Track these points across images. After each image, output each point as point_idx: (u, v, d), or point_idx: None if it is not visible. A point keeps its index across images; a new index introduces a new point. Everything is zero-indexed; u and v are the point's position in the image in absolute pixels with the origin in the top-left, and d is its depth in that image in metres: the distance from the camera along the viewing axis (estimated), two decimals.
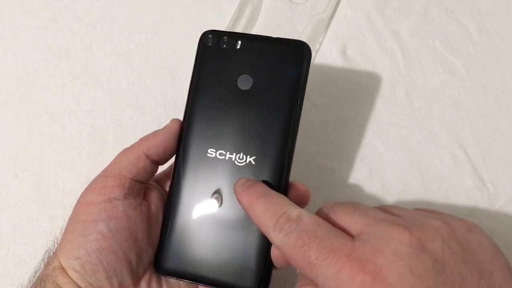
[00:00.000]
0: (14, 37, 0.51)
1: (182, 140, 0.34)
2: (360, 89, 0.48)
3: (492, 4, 0.51)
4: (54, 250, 0.32)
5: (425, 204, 0.43)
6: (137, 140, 0.34)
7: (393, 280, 0.23)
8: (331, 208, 0.29)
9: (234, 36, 0.34)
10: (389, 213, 0.28)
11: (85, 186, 0.33)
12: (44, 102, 0.48)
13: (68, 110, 0.48)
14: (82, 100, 0.48)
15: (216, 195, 0.33)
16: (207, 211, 0.33)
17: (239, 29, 0.48)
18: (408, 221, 0.26)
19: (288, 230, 0.26)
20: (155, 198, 0.34)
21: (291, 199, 0.32)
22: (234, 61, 0.33)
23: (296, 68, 0.32)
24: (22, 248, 0.43)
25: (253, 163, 0.32)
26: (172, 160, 0.35)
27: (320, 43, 0.50)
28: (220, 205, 0.32)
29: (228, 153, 0.33)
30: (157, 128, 0.34)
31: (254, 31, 0.51)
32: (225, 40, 0.34)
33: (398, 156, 0.45)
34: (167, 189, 0.35)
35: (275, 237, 0.27)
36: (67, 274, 0.30)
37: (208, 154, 0.33)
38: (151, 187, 0.35)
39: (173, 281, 0.34)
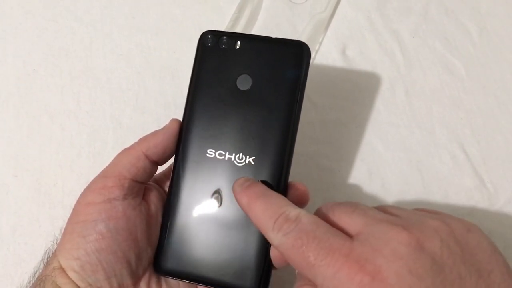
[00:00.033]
0: (14, 37, 0.51)
1: (181, 141, 0.34)
2: (360, 89, 0.48)
3: (492, 4, 0.51)
4: (54, 251, 0.32)
5: (424, 204, 0.43)
6: (136, 140, 0.34)
7: (391, 280, 0.23)
8: (330, 208, 0.29)
9: (233, 36, 0.34)
10: (388, 213, 0.28)
11: (84, 186, 0.33)
12: (44, 102, 0.48)
13: (67, 110, 0.48)
14: (82, 100, 0.48)
15: (215, 195, 0.33)
16: (207, 211, 0.33)
17: (239, 29, 0.48)
18: (407, 221, 0.26)
19: (286, 230, 0.26)
20: (154, 199, 0.34)
21: (290, 199, 0.32)
22: (233, 61, 0.33)
23: (295, 68, 0.32)
24: (22, 248, 0.43)
25: (253, 163, 0.32)
26: (172, 160, 0.35)
27: (320, 43, 0.50)
28: (220, 205, 0.32)
29: (227, 153, 0.33)
30: (157, 128, 0.34)
31: (254, 31, 0.51)
32: (225, 40, 0.34)
33: (398, 156, 0.45)
34: (167, 189, 0.35)
35: (273, 237, 0.27)
36: (66, 274, 0.30)
37: (207, 154, 0.33)
38: (151, 188, 0.35)
39: (172, 281, 0.34)
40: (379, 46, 0.49)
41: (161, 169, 0.36)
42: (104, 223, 0.31)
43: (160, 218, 0.34)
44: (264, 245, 0.31)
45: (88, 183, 0.33)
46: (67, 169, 0.45)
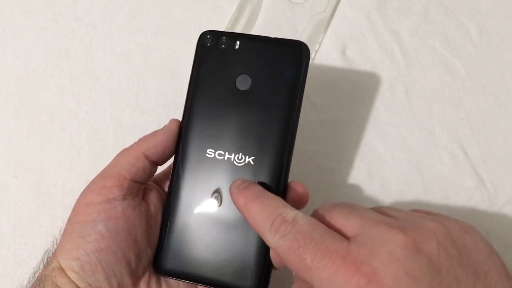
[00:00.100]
0: (14, 37, 0.51)
1: (181, 141, 0.34)
2: (360, 89, 0.48)
3: (492, 4, 0.51)
4: (53, 251, 0.32)
5: (424, 204, 0.43)
6: (136, 140, 0.34)
7: (388, 282, 0.23)
8: (327, 210, 0.29)
9: (232, 36, 0.34)
10: (385, 214, 0.28)
11: (84, 186, 0.33)
12: (44, 102, 0.48)
13: (67, 110, 0.48)
14: (81, 100, 0.48)
15: (215, 194, 0.33)
16: (206, 211, 0.33)
17: (238, 29, 0.48)
18: (404, 222, 0.26)
19: (283, 232, 0.26)
20: (154, 199, 0.34)
21: (290, 199, 0.32)
22: (232, 62, 0.33)
23: (294, 68, 0.32)
24: (22, 248, 0.43)
25: (252, 163, 0.32)
26: (171, 160, 0.35)
27: (320, 43, 0.50)
28: (220, 204, 0.32)
29: (227, 153, 0.33)
30: (157, 128, 0.34)
31: (253, 31, 0.51)
32: (224, 40, 0.34)
33: (397, 156, 0.45)
34: (166, 189, 0.35)
35: (270, 239, 0.27)
36: (66, 274, 0.30)
37: (207, 155, 0.33)
38: (150, 188, 0.35)
39: (172, 281, 0.34)
40: (379, 46, 0.49)
41: (160, 169, 0.36)
42: (104, 223, 0.31)
43: (159, 218, 0.34)
44: (264, 245, 0.31)
45: (88, 183, 0.33)
46: (67, 169, 0.45)
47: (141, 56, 0.50)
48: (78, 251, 0.30)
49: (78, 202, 0.32)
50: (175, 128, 0.34)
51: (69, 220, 0.32)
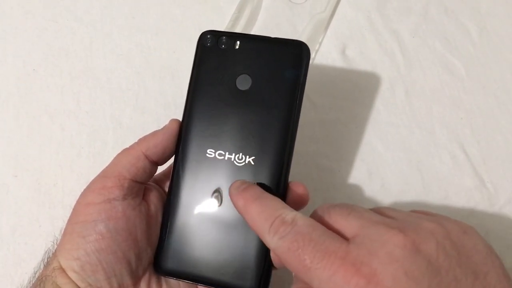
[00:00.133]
0: (14, 37, 0.51)
1: (181, 141, 0.34)
2: (360, 89, 0.48)
3: (492, 4, 0.51)
4: (54, 251, 0.32)
5: (424, 204, 0.43)
6: (136, 140, 0.34)
7: (387, 282, 0.23)
8: (326, 210, 0.29)
9: (232, 36, 0.34)
10: (384, 215, 0.28)
11: (84, 186, 0.33)
12: (44, 102, 0.48)
13: (67, 110, 0.48)
14: (81, 100, 0.48)
15: (216, 194, 0.33)
16: (207, 211, 0.33)
17: (238, 29, 0.48)
18: (403, 223, 0.26)
19: (282, 233, 0.26)
20: (154, 199, 0.34)
21: (290, 200, 0.32)
22: (233, 61, 0.33)
23: (295, 68, 0.32)
24: (22, 248, 0.43)
25: (252, 163, 0.32)
26: (172, 160, 0.35)
27: (320, 43, 0.50)
28: (220, 204, 0.32)
29: (227, 153, 0.33)
30: (157, 128, 0.34)
31: (253, 31, 0.51)
32: (224, 40, 0.34)
33: (397, 156, 0.45)
34: (167, 189, 0.36)
35: (269, 240, 0.27)
36: (66, 274, 0.30)
37: (207, 154, 0.33)
38: (151, 188, 0.35)
39: (172, 281, 0.34)
40: (379, 46, 0.49)
41: (161, 169, 0.36)
42: (104, 223, 0.31)
43: (160, 218, 0.34)
44: (265, 245, 0.31)
45: (88, 183, 0.33)
46: (67, 169, 0.45)
47: (141, 56, 0.50)
48: (78, 251, 0.30)
49: (78, 202, 0.32)
50: (175, 128, 0.34)
51: (69, 220, 0.32)
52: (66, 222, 0.32)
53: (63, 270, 0.31)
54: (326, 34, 0.50)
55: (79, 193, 0.33)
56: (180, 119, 0.34)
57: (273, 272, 0.32)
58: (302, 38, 0.43)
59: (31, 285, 0.32)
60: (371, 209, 0.30)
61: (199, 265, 0.32)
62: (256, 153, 0.32)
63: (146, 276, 0.33)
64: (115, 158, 0.33)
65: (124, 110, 0.48)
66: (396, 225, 0.26)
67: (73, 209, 0.32)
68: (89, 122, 0.47)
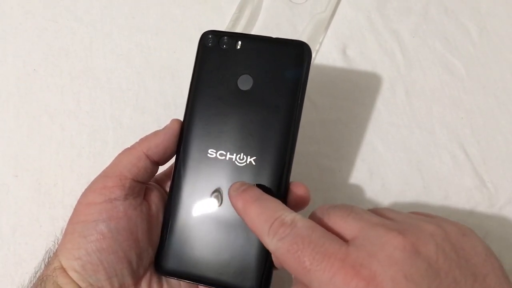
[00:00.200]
0: (14, 37, 0.51)
1: (182, 141, 0.34)
2: (360, 89, 0.48)
3: (492, 4, 0.51)
4: (55, 251, 0.32)
5: (424, 204, 0.43)
6: (137, 140, 0.34)
7: (387, 285, 0.23)
8: (326, 212, 0.29)
9: (234, 36, 0.34)
10: (383, 216, 0.28)
11: (85, 186, 0.33)
12: (44, 102, 0.48)
13: (68, 110, 0.47)
14: (82, 100, 0.48)
15: (216, 193, 0.33)
16: (208, 212, 0.33)
17: (239, 29, 0.48)
18: (403, 225, 0.26)
19: (282, 235, 0.26)
20: (155, 198, 0.34)
21: (291, 200, 0.32)
22: (234, 62, 0.33)
23: (296, 68, 0.32)
24: (22, 248, 0.43)
25: (254, 163, 0.32)
26: (173, 160, 0.35)
27: (320, 43, 0.50)
28: (220, 204, 0.32)
29: (228, 153, 0.33)
30: (157, 128, 0.34)
31: (254, 31, 0.51)
32: (225, 40, 0.34)
33: (398, 156, 0.45)
34: (168, 189, 0.35)
35: (269, 242, 0.27)
36: (67, 274, 0.30)
37: (208, 155, 0.33)
38: (152, 188, 0.35)
39: (173, 281, 0.34)
40: (379, 46, 0.49)
41: (162, 169, 0.36)
42: (105, 223, 0.31)
43: (161, 218, 0.34)
44: None
45: (88, 183, 0.33)
46: (67, 169, 0.45)
47: (141, 56, 0.50)
48: (79, 251, 0.30)
49: (79, 202, 0.32)
50: (176, 128, 0.34)
51: (70, 220, 0.32)
52: (66, 222, 0.32)
53: (64, 270, 0.31)
54: (326, 34, 0.50)
55: (80, 193, 0.33)
56: (181, 119, 0.34)
57: (274, 272, 0.32)
58: (303, 38, 0.43)
59: (32, 285, 0.32)
60: (370, 210, 0.30)
61: (200, 265, 0.32)
62: (257, 153, 0.32)
63: (147, 276, 0.33)
64: (116, 158, 0.33)
65: (124, 110, 0.48)
66: (395, 227, 0.26)
67: (74, 209, 0.32)
68: (89, 122, 0.47)
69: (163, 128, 0.34)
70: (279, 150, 0.32)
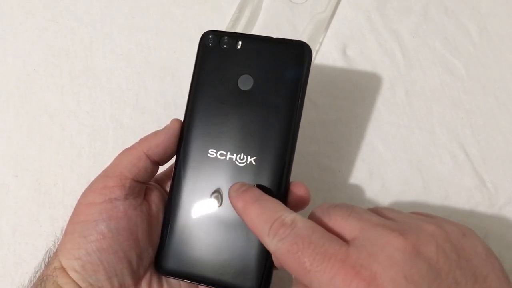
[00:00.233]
0: (14, 37, 0.51)
1: (182, 141, 0.34)
2: (360, 89, 0.48)
3: (492, 4, 0.51)
4: (55, 251, 0.32)
5: (424, 204, 0.43)
6: (137, 140, 0.34)
7: (387, 286, 0.23)
8: (326, 211, 0.29)
9: (234, 36, 0.34)
10: (384, 216, 0.28)
11: (85, 186, 0.33)
12: (44, 102, 0.48)
13: (68, 110, 0.47)
14: (82, 100, 0.48)
15: (216, 194, 0.33)
16: (208, 212, 0.33)
17: (239, 29, 0.48)
18: (403, 225, 0.26)
19: (282, 235, 0.26)
20: (155, 199, 0.34)
21: (291, 200, 0.32)
22: (234, 62, 0.33)
23: (296, 68, 0.32)
24: (22, 248, 0.43)
25: (254, 163, 0.32)
26: (173, 160, 0.35)
27: (320, 43, 0.50)
28: (220, 204, 0.32)
29: (228, 153, 0.33)
30: (157, 128, 0.34)
31: (254, 31, 0.51)
32: (226, 40, 0.34)
33: (398, 156, 0.45)
34: (168, 189, 0.35)
35: (269, 242, 0.27)
36: (67, 274, 0.30)
37: (208, 155, 0.33)
38: (152, 188, 0.35)
39: (173, 281, 0.34)
40: (379, 46, 0.49)
41: (162, 169, 0.36)
42: (105, 223, 0.31)
43: (161, 218, 0.34)
44: None
45: (88, 183, 0.33)
46: (67, 169, 0.45)
47: (141, 56, 0.50)
48: (79, 251, 0.30)
49: (79, 202, 0.32)
50: (177, 128, 0.34)
51: (70, 220, 0.32)
52: (66, 222, 0.32)
53: (64, 270, 0.31)
54: (326, 34, 0.50)
55: (80, 193, 0.33)
56: (181, 119, 0.34)
57: (274, 272, 0.32)
58: (303, 38, 0.43)
59: (32, 284, 0.32)
60: (370, 210, 0.30)
61: (200, 265, 0.32)
62: (257, 153, 0.32)
63: (147, 276, 0.33)
64: (117, 158, 0.33)
65: (124, 110, 0.48)
66: (396, 227, 0.26)
67: (74, 209, 0.32)
68: (89, 122, 0.47)
69: (163, 128, 0.34)
70: (279, 150, 0.32)
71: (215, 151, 0.33)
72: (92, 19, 0.52)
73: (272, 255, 0.31)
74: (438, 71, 0.48)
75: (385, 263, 0.24)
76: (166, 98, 0.48)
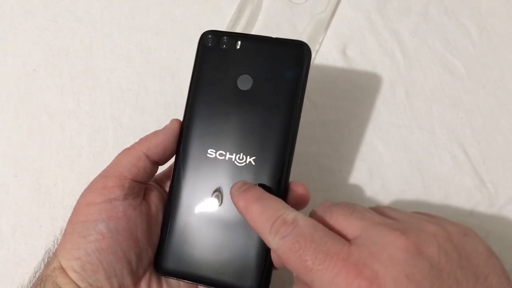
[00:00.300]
0: (14, 37, 0.51)
1: (182, 141, 0.34)
2: (360, 89, 0.48)
3: (492, 4, 0.51)
4: (54, 251, 0.32)
5: (424, 204, 0.43)
6: (137, 140, 0.34)
7: (389, 285, 0.23)
8: (328, 209, 0.29)
9: (234, 36, 0.34)
10: (385, 215, 0.28)
11: (85, 186, 0.33)
12: (44, 102, 0.48)
13: (68, 110, 0.48)
14: (82, 100, 0.48)
15: (216, 193, 0.33)
16: (207, 212, 0.33)
17: (239, 29, 0.48)
18: (405, 225, 0.26)
19: (284, 233, 0.26)
20: (155, 199, 0.34)
21: (291, 200, 0.32)
22: (234, 61, 0.33)
23: (296, 68, 0.32)
24: (22, 248, 0.43)
25: (253, 163, 0.32)
26: (172, 160, 0.35)
27: (320, 43, 0.50)
28: (220, 204, 0.32)
29: (228, 153, 0.33)
30: (157, 128, 0.34)
31: (254, 31, 0.51)
32: (225, 40, 0.34)
33: (398, 156, 0.45)
34: (167, 189, 0.35)
35: (271, 240, 0.27)
36: (67, 274, 0.30)
37: (208, 155, 0.33)
38: (151, 188, 0.35)
39: (173, 281, 0.34)
40: (379, 46, 0.49)
41: (161, 169, 0.36)
42: (105, 223, 0.31)
43: (160, 218, 0.34)
44: (265, 245, 0.31)
45: (88, 183, 0.33)
46: (67, 169, 0.45)
47: (141, 56, 0.50)
48: (79, 251, 0.30)
49: (79, 202, 0.32)
50: (176, 128, 0.34)
51: (70, 220, 0.32)
52: (66, 222, 0.32)
53: (63, 270, 0.31)
54: (326, 34, 0.50)
55: (79, 193, 0.33)
56: (181, 119, 0.34)
57: (274, 272, 0.32)
58: (302, 38, 0.43)
59: (31, 285, 0.32)
60: (372, 208, 0.30)
61: (199, 265, 0.32)
62: (256, 153, 0.32)
63: (147, 276, 0.33)
64: (116, 158, 0.33)
65: (124, 110, 0.48)
66: (397, 226, 0.26)
67: (74, 209, 0.32)
68: (89, 122, 0.47)
69: (163, 128, 0.34)
70: (279, 150, 0.32)
71: (214, 151, 0.33)
72: (92, 19, 0.52)
73: (274, 253, 0.31)
74: (438, 71, 0.48)
75: (387, 262, 0.24)
76: (166, 98, 0.48)
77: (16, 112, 0.48)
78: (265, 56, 0.33)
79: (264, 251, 0.31)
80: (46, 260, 0.33)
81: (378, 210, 0.29)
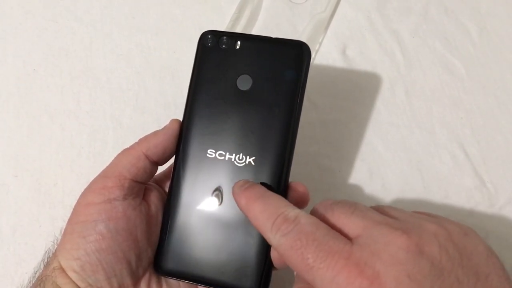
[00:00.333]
0: (14, 37, 0.51)
1: (181, 141, 0.34)
2: (360, 89, 0.48)
3: (492, 4, 0.51)
4: (54, 251, 0.32)
5: (424, 204, 0.43)
6: (136, 140, 0.34)
7: (390, 285, 0.23)
8: (329, 207, 0.29)
9: (233, 36, 0.34)
10: (386, 214, 0.28)
11: (85, 186, 0.33)
12: (44, 102, 0.48)
13: (68, 110, 0.48)
14: (82, 100, 0.48)
15: (216, 192, 0.33)
16: (207, 212, 0.33)
17: (239, 29, 0.48)
18: (406, 224, 0.26)
19: (285, 231, 0.26)
20: (154, 199, 0.34)
21: (291, 200, 0.32)
22: (233, 62, 0.33)
23: (295, 68, 0.32)
24: (22, 248, 0.43)
25: (253, 163, 0.32)
26: (172, 160, 0.35)
27: (320, 43, 0.50)
28: (220, 203, 0.32)
29: (227, 153, 0.33)
30: (157, 128, 0.34)
31: (254, 31, 0.51)
32: (225, 40, 0.34)
33: (398, 156, 0.45)
34: (167, 189, 0.35)
35: (272, 237, 0.27)
36: (66, 274, 0.30)
37: (207, 155, 0.33)
38: (151, 188, 0.35)
39: (173, 281, 0.34)
40: (379, 46, 0.49)
41: (161, 169, 0.36)
42: (104, 224, 0.31)
43: (160, 219, 0.34)
44: (265, 245, 0.31)
45: (88, 183, 0.33)
46: (67, 169, 0.45)
47: (141, 56, 0.50)
48: (78, 251, 0.30)
49: (78, 202, 0.32)
50: (176, 128, 0.34)
51: (69, 220, 0.32)
52: (66, 222, 0.32)
53: (63, 270, 0.31)
54: (326, 34, 0.50)
55: (79, 193, 0.33)
56: (181, 119, 0.34)
57: (273, 272, 0.32)
58: (302, 38, 0.43)
59: (31, 285, 0.32)
60: (372, 207, 0.30)
61: (199, 265, 0.32)
62: (256, 153, 0.32)
63: (146, 276, 0.33)
64: (116, 158, 0.33)
65: (124, 110, 0.48)
66: (399, 226, 0.26)
67: (73, 209, 0.32)
68: (89, 122, 0.47)
69: (163, 128, 0.34)
70: (279, 151, 0.32)
71: (214, 151, 0.33)
72: (92, 19, 0.52)
73: (273, 253, 0.31)
74: (438, 71, 0.48)
75: (388, 261, 0.24)
76: (166, 98, 0.48)
77: (16, 112, 0.48)
78: (265, 56, 0.33)
79: (264, 251, 0.31)
80: (45, 260, 0.33)
81: (379, 209, 0.29)
